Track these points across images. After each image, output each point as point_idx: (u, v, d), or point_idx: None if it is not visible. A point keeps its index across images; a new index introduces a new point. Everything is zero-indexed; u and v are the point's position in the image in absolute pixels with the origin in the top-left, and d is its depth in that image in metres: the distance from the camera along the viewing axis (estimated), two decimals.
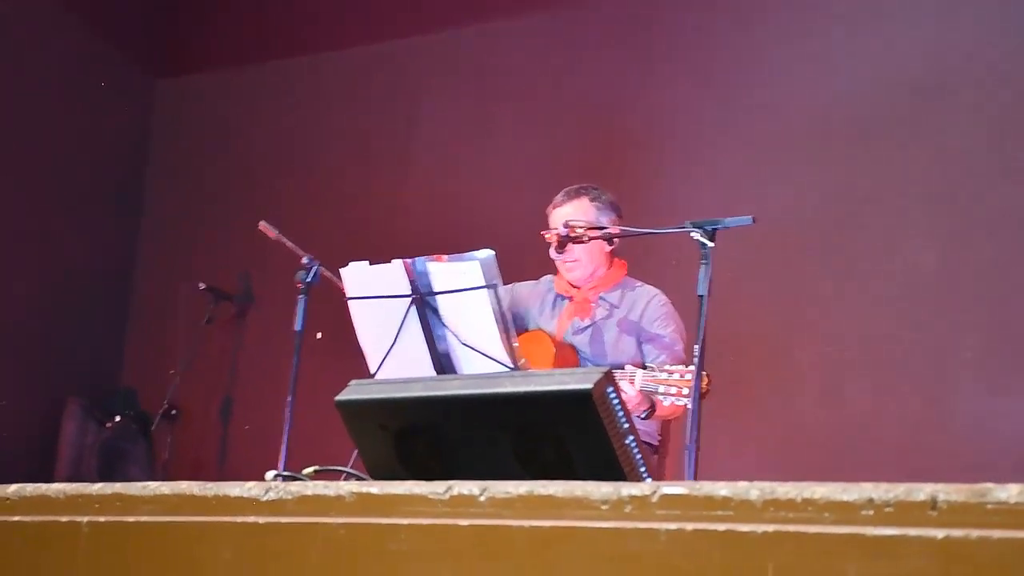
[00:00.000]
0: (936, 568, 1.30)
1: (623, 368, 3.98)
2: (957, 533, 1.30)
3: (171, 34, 7.91)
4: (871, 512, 1.36)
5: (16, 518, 2.09)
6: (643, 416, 4.07)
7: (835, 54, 5.76)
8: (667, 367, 3.91)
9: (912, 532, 1.33)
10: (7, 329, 7.01)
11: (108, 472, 6.81)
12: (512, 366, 3.92)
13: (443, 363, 4.03)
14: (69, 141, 7.39)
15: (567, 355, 4.38)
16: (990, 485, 1.31)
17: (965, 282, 5.30)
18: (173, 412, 6.97)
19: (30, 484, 2.15)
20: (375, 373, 4.07)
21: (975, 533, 1.29)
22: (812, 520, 1.40)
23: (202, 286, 7.05)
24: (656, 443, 4.37)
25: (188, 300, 7.21)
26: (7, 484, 2.16)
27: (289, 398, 4.65)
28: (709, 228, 3.73)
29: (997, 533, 1.28)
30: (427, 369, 4.04)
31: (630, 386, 3.90)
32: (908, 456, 5.17)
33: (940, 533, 1.31)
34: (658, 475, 4.15)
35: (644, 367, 3.99)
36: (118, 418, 7.09)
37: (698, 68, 6.15)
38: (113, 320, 7.63)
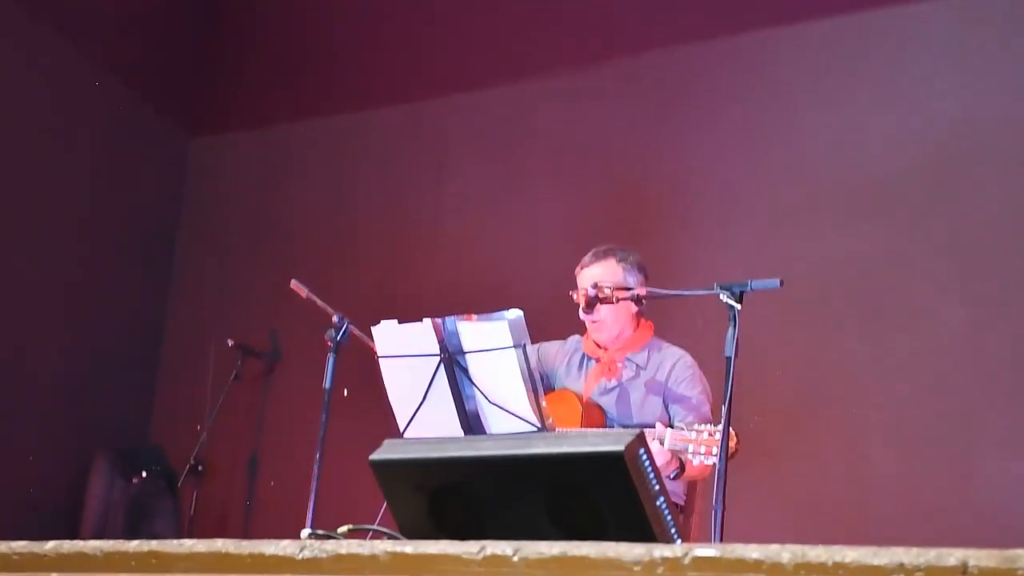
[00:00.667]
0: None
1: (653, 427, 4.00)
2: None
3: (205, 93, 8.01)
4: None
5: (54, 575, 2.11)
6: (672, 476, 4.08)
7: (862, 116, 5.79)
8: (696, 427, 3.92)
9: None
10: (36, 384, 7.04)
11: (134, 528, 6.80)
12: (540, 425, 3.94)
13: (471, 422, 4.05)
14: (102, 198, 7.46)
15: (594, 415, 4.39)
16: (1021, 551, 1.31)
17: (992, 346, 5.29)
18: (200, 468, 6.97)
19: (67, 541, 2.16)
20: (404, 431, 4.09)
21: None
22: None
23: (231, 343, 7.08)
24: (682, 503, 4.38)
25: (217, 357, 7.24)
26: (42, 541, 2.18)
27: (317, 455, 4.66)
28: (737, 290, 3.75)
29: None
30: (455, 428, 4.05)
31: (659, 446, 3.92)
32: (933, 521, 5.14)
33: None
34: (684, 535, 4.15)
35: (670, 425, 4.01)
36: (145, 474, 7.08)
37: (725, 130, 6.18)
38: (142, 376, 7.66)
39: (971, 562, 1.33)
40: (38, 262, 7.11)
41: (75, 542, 2.14)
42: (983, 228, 5.40)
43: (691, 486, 4.41)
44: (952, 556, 1.35)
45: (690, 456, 3.89)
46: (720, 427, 3.70)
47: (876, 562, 1.39)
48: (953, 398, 5.32)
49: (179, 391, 7.59)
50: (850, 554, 1.42)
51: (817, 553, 1.45)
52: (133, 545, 2.04)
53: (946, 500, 5.20)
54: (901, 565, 1.37)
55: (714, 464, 3.76)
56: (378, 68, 7.46)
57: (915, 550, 1.37)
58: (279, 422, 7.13)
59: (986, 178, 5.45)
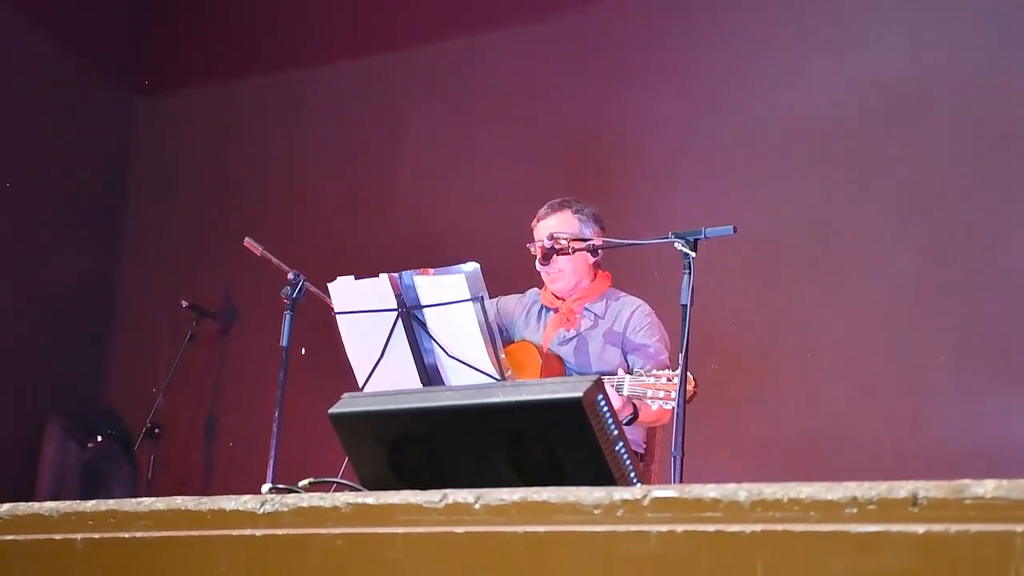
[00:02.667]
0: (917, 562, 1.34)
1: (615, 374, 4.03)
2: (937, 528, 1.34)
3: (152, 51, 7.91)
4: (855, 510, 1.40)
5: (10, 537, 2.08)
6: (626, 422, 4.11)
7: (812, 66, 5.81)
8: (654, 372, 3.96)
9: (894, 528, 1.37)
10: None
11: (90, 493, 6.74)
12: (499, 377, 3.96)
13: (430, 376, 4.06)
14: (50, 159, 7.37)
15: (553, 366, 4.42)
16: (968, 481, 1.35)
17: (941, 289, 5.36)
18: (156, 430, 6.94)
19: (23, 503, 2.15)
20: (363, 387, 4.10)
21: (954, 528, 1.34)
22: (798, 519, 1.44)
23: (185, 303, 7.04)
24: (642, 451, 4.42)
25: (171, 317, 7.20)
26: None
27: (276, 413, 4.66)
28: (691, 238, 3.77)
29: (975, 527, 1.33)
30: (414, 382, 4.07)
31: (614, 392, 3.95)
32: (886, 459, 5.22)
33: (921, 528, 1.35)
34: (644, 481, 4.18)
35: (631, 373, 4.04)
36: (100, 438, 7.03)
37: (678, 81, 6.19)
38: (95, 338, 7.59)
39: (920, 493, 1.36)
40: None
41: (30, 504, 2.13)
42: (932, 175, 5.45)
43: (650, 434, 4.45)
44: (903, 488, 1.38)
45: (648, 401, 3.93)
46: (678, 372, 3.73)
47: (830, 497, 1.42)
48: (903, 341, 5.40)
49: (133, 353, 7.55)
50: (805, 490, 1.44)
51: (773, 491, 1.48)
52: (90, 505, 2.04)
53: (899, 438, 5.29)
54: (854, 499, 1.40)
55: (672, 408, 3.79)
56: (329, 23, 7.40)
57: (867, 484, 1.41)
58: (236, 382, 7.11)
59: (934, 126, 5.49)
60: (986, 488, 1.33)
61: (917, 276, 5.41)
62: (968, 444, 5.05)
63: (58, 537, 2.04)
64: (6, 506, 2.14)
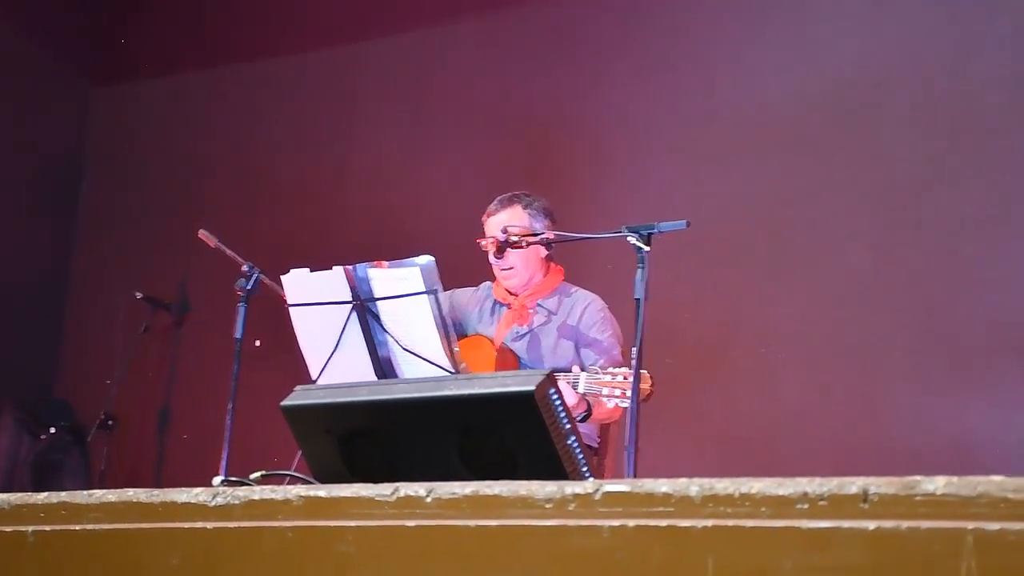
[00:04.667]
0: (868, 559, 1.34)
1: (570, 371, 4.03)
2: (888, 524, 1.34)
3: (106, 41, 7.85)
4: (806, 506, 1.40)
5: None
6: (579, 419, 4.11)
7: (766, 58, 5.84)
8: (610, 369, 3.95)
9: (845, 524, 1.37)
10: None
11: (42, 485, 6.70)
12: (453, 371, 3.95)
13: (385, 369, 4.05)
14: (3, 147, 7.31)
15: (507, 360, 4.42)
16: (918, 478, 1.35)
17: (896, 283, 5.39)
18: (109, 422, 6.90)
19: None
20: (316, 379, 4.08)
21: (905, 524, 1.34)
22: (750, 514, 1.44)
23: (139, 295, 7.00)
24: (596, 445, 4.42)
25: (125, 309, 7.16)
26: None
27: (230, 405, 4.64)
28: (645, 232, 3.77)
29: (925, 524, 1.33)
30: (369, 375, 4.06)
31: (569, 389, 3.95)
32: (842, 453, 5.25)
33: (872, 524, 1.35)
34: (598, 476, 4.18)
35: (584, 368, 4.04)
36: (52, 429, 6.99)
37: (630, 74, 6.20)
38: (47, 329, 7.54)
39: (871, 489, 1.36)
40: None
41: None
42: (888, 168, 5.48)
43: (604, 428, 4.46)
44: (854, 484, 1.38)
45: (604, 398, 3.93)
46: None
47: (781, 492, 1.43)
48: (859, 335, 5.42)
49: (87, 345, 7.50)
50: (756, 485, 1.45)
51: (724, 486, 1.48)
52: (41, 497, 2.03)
53: (854, 434, 5.31)
54: (805, 494, 1.40)
55: (628, 407, 3.80)
56: (282, 15, 7.37)
57: (818, 480, 1.41)
58: (190, 374, 7.08)
59: (891, 117, 5.52)
60: (936, 485, 1.34)
61: (872, 270, 5.44)
62: (922, 439, 5.09)
63: (8, 529, 2.03)
64: None
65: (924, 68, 5.48)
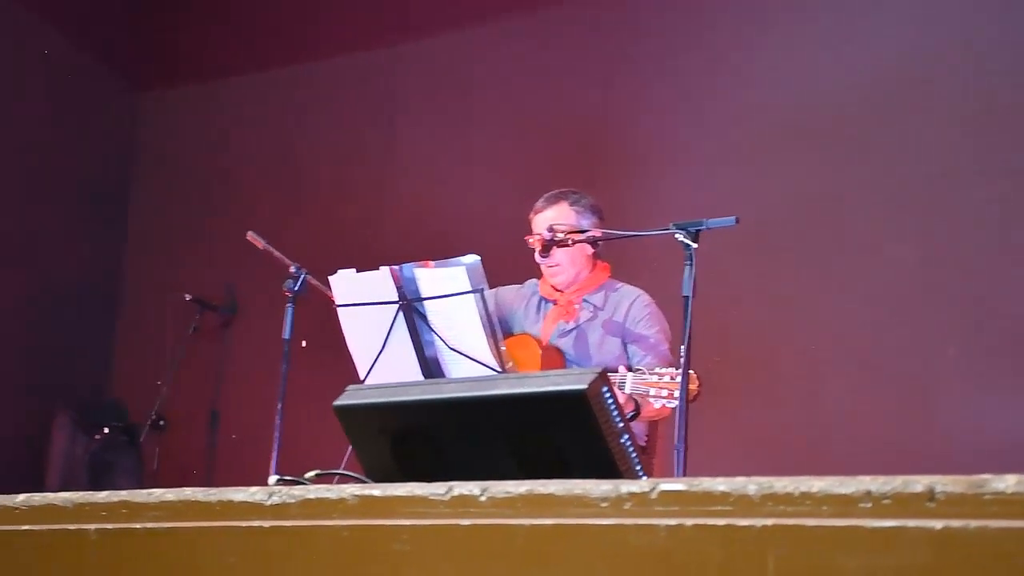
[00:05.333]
0: (934, 559, 1.32)
1: (615, 369, 4.02)
2: (955, 524, 1.31)
3: (155, 47, 7.91)
4: (869, 504, 1.37)
5: (25, 527, 2.10)
6: (628, 418, 4.09)
7: (812, 54, 5.80)
8: (657, 370, 3.94)
9: (910, 524, 1.34)
10: None
11: (97, 483, 6.77)
12: (500, 369, 3.95)
13: (431, 368, 4.06)
14: (55, 153, 7.40)
15: (553, 358, 4.41)
16: (987, 476, 1.32)
17: (946, 279, 5.34)
18: (161, 422, 6.97)
19: (37, 493, 2.16)
20: (364, 379, 4.10)
21: (973, 524, 1.31)
22: (810, 513, 1.41)
23: (188, 297, 7.06)
24: (644, 443, 4.41)
25: (174, 311, 7.21)
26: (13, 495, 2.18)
27: (279, 405, 4.66)
28: (693, 229, 3.76)
29: (994, 523, 1.30)
30: (415, 374, 4.07)
31: (617, 390, 3.93)
32: (891, 453, 5.21)
33: (938, 524, 1.33)
34: (648, 475, 4.17)
35: (631, 369, 4.03)
36: (106, 430, 7.08)
37: (677, 71, 6.18)
38: (100, 332, 7.63)
39: (938, 488, 1.33)
40: None
41: (45, 494, 2.15)
42: (937, 162, 5.44)
43: (652, 427, 4.44)
44: (919, 483, 1.35)
45: (651, 399, 3.91)
46: (681, 370, 3.72)
47: (843, 491, 1.40)
48: (909, 331, 5.38)
49: (138, 346, 7.57)
50: (816, 484, 1.43)
51: (784, 484, 1.46)
52: (103, 496, 2.04)
53: (905, 432, 5.27)
54: (868, 493, 1.38)
55: (675, 407, 3.78)
56: (327, 17, 7.40)
57: (881, 478, 1.38)
58: (239, 375, 7.12)
59: (938, 112, 5.48)
60: (1007, 483, 1.31)
61: (923, 266, 5.39)
62: (975, 437, 5.04)
63: (72, 527, 2.05)
64: (21, 497, 2.15)
65: (970, 59, 5.44)
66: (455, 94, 6.90)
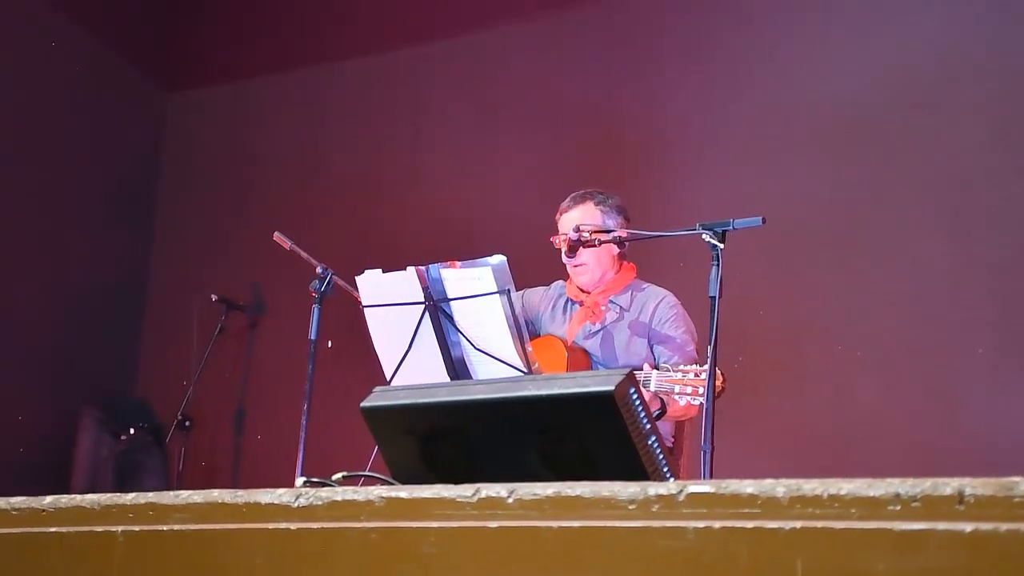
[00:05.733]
0: (964, 562, 1.31)
1: (640, 369, 4.01)
2: (985, 527, 1.31)
3: (181, 48, 7.95)
4: (898, 507, 1.37)
5: (52, 529, 2.10)
6: (654, 417, 4.09)
7: (839, 53, 5.78)
8: (682, 367, 3.93)
9: (940, 526, 1.33)
10: (21, 343, 7.02)
11: (123, 484, 6.80)
12: (526, 370, 3.95)
13: (457, 369, 4.06)
14: (81, 154, 7.43)
15: (579, 359, 4.41)
16: (1017, 478, 1.31)
17: (975, 279, 5.31)
18: (187, 423, 6.99)
19: (64, 495, 2.17)
20: (390, 380, 4.11)
21: (1004, 526, 1.30)
22: (839, 516, 1.41)
23: (214, 297, 7.08)
24: (671, 444, 4.40)
25: (200, 311, 7.24)
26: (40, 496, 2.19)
27: (305, 405, 4.67)
28: (719, 229, 3.75)
29: None
30: (441, 375, 4.07)
31: (642, 389, 3.92)
32: (919, 454, 5.18)
33: (968, 527, 1.32)
34: (675, 476, 4.16)
35: (656, 367, 4.02)
36: (132, 430, 7.10)
37: (702, 70, 6.17)
38: (126, 332, 7.65)
39: (967, 491, 1.33)
40: (18, 222, 7.07)
41: (72, 496, 2.15)
42: (961, 161, 5.41)
43: (679, 427, 4.44)
44: (948, 486, 1.35)
45: (676, 396, 3.91)
46: (706, 367, 3.71)
47: (872, 493, 1.40)
48: (938, 333, 5.35)
49: (164, 347, 7.59)
50: (845, 486, 1.42)
51: (812, 486, 1.45)
52: (130, 497, 2.05)
53: (932, 434, 5.24)
54: (897, 496, 1.37)
55: (701, 404, 3.77)
56: (353, 18, 7.41)
57: (911, 480, 1.38)
58: (265, 375, 7.14)
59: (964, 111, 5.45)
60: None
61: (950, 265, 5.36)
62: (1003, 439, 5.00)
63: (99, 529, 2.06)
64: (49, 498, 2.16)
65: (997, 58, 5.40)
66: (479, 94, 6.90)
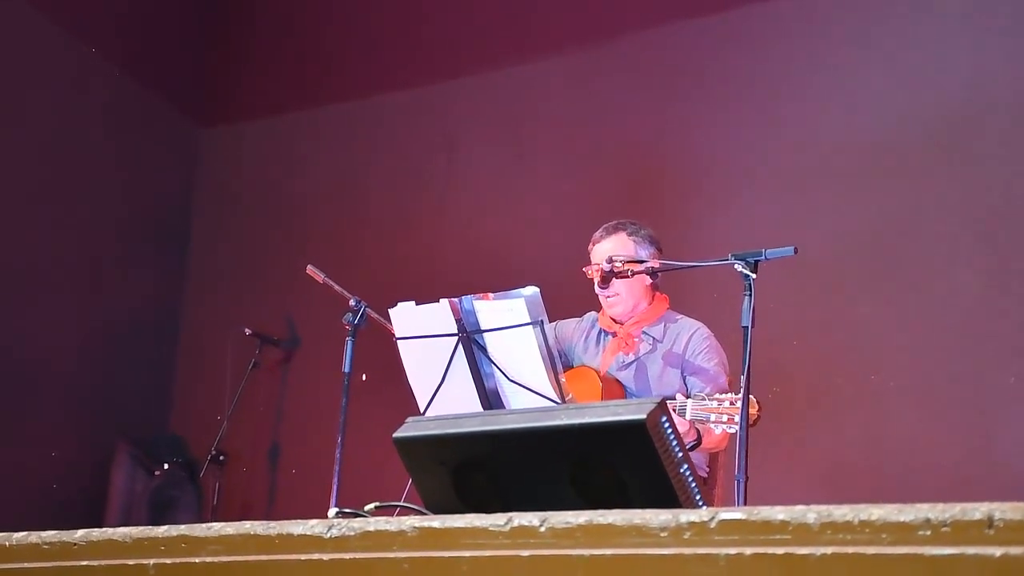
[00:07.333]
0: None
1: (673, 398, 4.00)
2: (1015, 551, 1.31)
3: (213, 84, 8.02)
4: (928, 532, 1.37)
5: (84, 562, 2.11)
6: (689, 447, 4.08)
7: (870, 83, 5.77)
8: (717, 396, 3.92)
9: (970, 551, 1.33)
10: (55, 378, 7.04)
11: (157, 520, 6.80)
12: (560, 401, 3.95)
13: (491, 400, 4.07)
14: (115, 189, 7.48)
15: (613, 390, 4.40)
16: None
17: (1007, 307, 5.28)
18: (221, 458, 6.99)
19: (96, 529, 2.18)
20: (424, 411, 4.11)
21: None
22: (870, 541, 1.41)
23: (248, 331, 7.10)
24: (705, 474, 4.39)
25: (234, 346, 7.26)
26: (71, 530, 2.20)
27: (339, 438, 4.68)
28: (752, 260, 3.75)
29: None
30: (475, 406, 4.07)
31: (678, 416, 3.92)
32: (954, 481, 5.15)
33: (998, 551, 1.32)
34: (708, 506, 4.15)
35: (689, 396, 4.02)
36: (167, 465, 7.09)
37: (734, 101, 6.17)
38: (161, 367, 7.68)
39: (996, 515, 1.33)
40: (53, 257, 7.12)
41: (104, 530, 2.16)
42: (995, 191, 5.39)
43: (713, 458, 4.42)
44: (977, 510, 1.35)
45: (711, 425, 3.90)
46: (741, 395, 3.71)
47: (902, 519, 1.40)
48: (970, 361, 5.32)
49: (198, 381, 7.62)
50: (876, 512, 1.42)
51: (843, 512, 1.46)
52: (162, 530, 2.06)
53: (967, 463, 5.20)
54: (927, 520, 1.37)
55: (735, 432, 3.76)
56: (385, 53, 7.46)
57: (940, 505, 1.38)
58: (299, 409, 7.15)
59: (997, 141, 5.43)
60: None
61: (983, 294, 5.34)
62: None
63: (131, 562, 2.06)
64: (80, 532, 2.16)
65: None
66: (511, 127, 6.93)
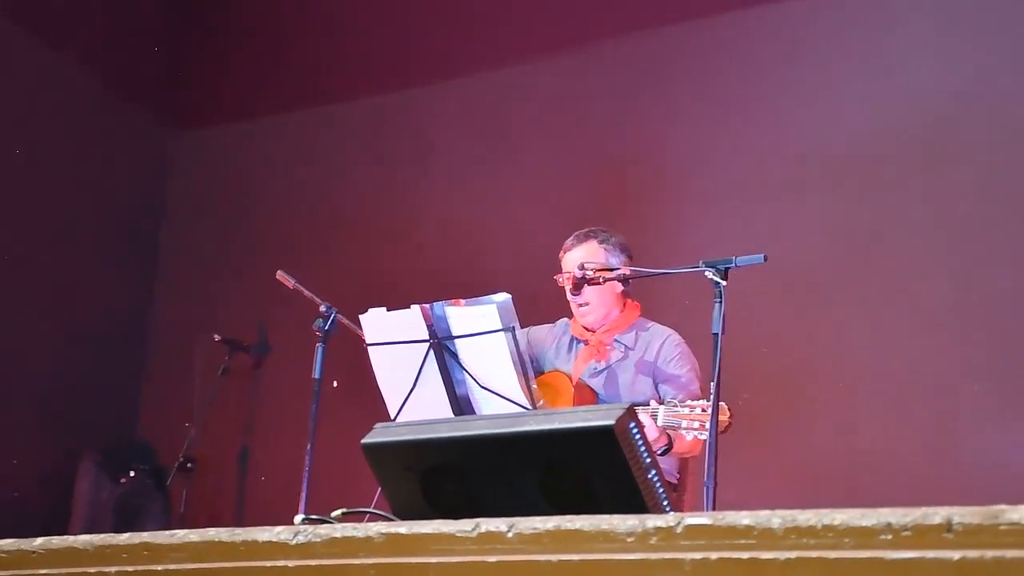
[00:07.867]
0: None
1: (647, 404, 4.02)
2: (972, 554, 1.33)
3: (185, 87, 7.99)
4: (889, 536, 1.38)
5: (43, 571, 2.08)
6: (660, 452, 4.10)
7: (843, 91, 5.81)
8: (689, 402, 3.94)
9: (929, 555, 1.35)
10: (20, 382, 6.96)
11: (124, 528, 6.69)
12: (531, 408, 3.95)
13: (462, 406, 4.07)
14: (84, 193, 7.43)
15: (585, 396, 4.41)
16: (1003, 506, 1.33)
17: (975, 317, 5.32)
18: (188, 465, 6.93)
19: (56, 536, 2.15)
20: (395, 418, 4.11)
21: (989, 554, 1.32)
22: (833, 546, 1.43)
23: (217, 337, 7.07)
24: (675, 480, 4.40)
25: (204, 351, 7.23)
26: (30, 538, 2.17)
27: (309, 445, 4.66)
28: (722, 267, 3.77)
29: (1011, 553, 1.31)
30: (446, 412, 4.07)
31: (651, 421, 3.93)
32: (920, 487, 5.18)
33: (956, 555, 1.34)
34: (678, 512, 4.16)
35: (662, 402, 4.03)
36: (133, 472, 7.01)
37: (706, 109, 6.20)
38: (129, 373, 7.62)
39: (955, 519, 1.35)
40: (19, 263, 7.04)
41: (64, 537, 2.12)
42: (965, 200, 5.43)
43: (683, 464, 4.43)
44: (937, 514, 1.37)
45: (683, 431, 3.91)
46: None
47: (864, 523, 1.41)
48: (939, 369, 5.36)
49: (166, 388, 7.57)
50: (838, 516, 1.44)
51: (807, 517, 1.47)
52: (124, 538, 2.03)
53: (935, 469, 5.24)
54: (888, 525, 1.39)
55: (706, 439, 3.77)
56: (359, 57, 7.45)
57: (901, 510, 1.39)
58: (269, 416, 7.12)
59: (967, 151, 5.47)
60: (1021, 514, 1.32)
61: (951, 302, 5.38)
62: (1005, 472, 5.01)
63: (92, 570, 2.04)
64: (40, 540, 2.13)
65: (1000, 95, 5.43)
66: (485, 133, 6.93)
